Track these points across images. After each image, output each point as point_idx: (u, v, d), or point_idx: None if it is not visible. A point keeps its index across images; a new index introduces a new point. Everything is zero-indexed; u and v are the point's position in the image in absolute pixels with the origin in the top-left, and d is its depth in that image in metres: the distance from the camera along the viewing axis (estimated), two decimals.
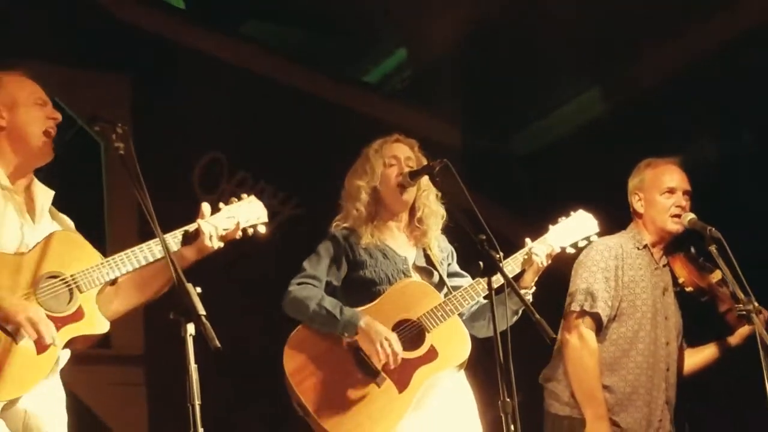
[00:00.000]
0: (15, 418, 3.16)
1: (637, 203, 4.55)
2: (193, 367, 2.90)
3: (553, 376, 4.50)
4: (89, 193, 6.62)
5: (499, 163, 7.27)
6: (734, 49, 6.23)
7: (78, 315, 3.20)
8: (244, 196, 3.64)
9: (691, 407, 4.75)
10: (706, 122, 6.42)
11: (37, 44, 5.99)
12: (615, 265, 4.43)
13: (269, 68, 7.16)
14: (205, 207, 3.49)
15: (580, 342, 4.36)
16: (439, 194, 4.11)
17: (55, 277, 3.21)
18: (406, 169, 4.04)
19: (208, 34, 7.03)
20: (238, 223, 3.52)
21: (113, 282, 3.38)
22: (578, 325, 4.38)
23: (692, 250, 4.55)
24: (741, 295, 4.32)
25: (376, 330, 3.80)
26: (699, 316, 4.66)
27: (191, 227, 3.44)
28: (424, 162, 4.10)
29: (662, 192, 4.49)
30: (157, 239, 3.22)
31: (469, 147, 7.13)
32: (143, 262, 3.33)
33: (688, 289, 4.50)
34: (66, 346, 3.19)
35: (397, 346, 3.78)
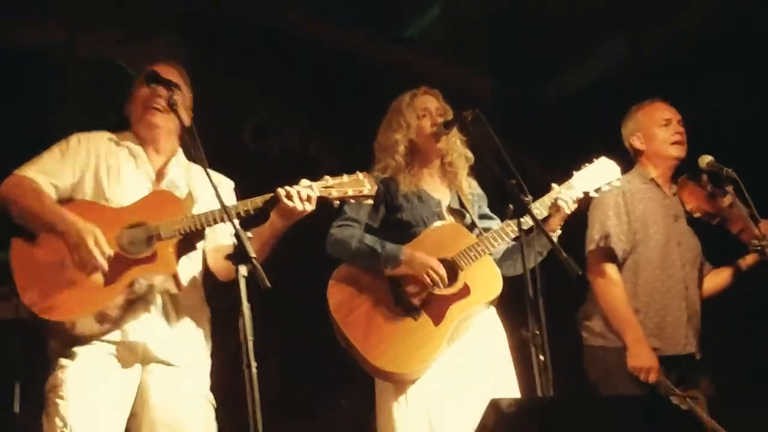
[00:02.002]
0: (133, 349, 3.40)
1: (636, 142, 4.60)
2: (246, 305, 2.96)
3: (586, 313, 4.55)
4: None
5: (528, 111, 7.21)
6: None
7: (152, 258, 3.36)
8: (358, 172, 3.64)
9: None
10: (728, 71, 6.32)
11: (97, 9, 6.04)
12: (624, 201, 4.47)
13: (313, 29, 7.14)
14: (303, 181, 3.54)
15: (603, 278, 4.41)
16: (465, 138, 4.11)
17: (139, 225, 3.39)
18: (439, 120, 4.05)
19: None
20: (331, 192, 3.56)
21: (201, 237, 3.53)
22: (599, 262, 4.43)
23: (704, 178, 4.52)
24: (757, 232, 4.32)
25: (420, 259, 3.83)
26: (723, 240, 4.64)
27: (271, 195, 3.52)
28: (449, 109, 4.10)
29: (659, 125, 4.53)
30: (238, 203, 3.45)
31: (499, 96, 7.09)
32: (218, 222, 3.43)
33: (696, 214, 4.51)
34: (132, 283, 3.36)
35: (442, 270, 3.82)
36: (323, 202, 3.54)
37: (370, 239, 3.90)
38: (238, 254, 3.01)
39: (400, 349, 3.77)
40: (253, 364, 2.93)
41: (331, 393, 6.15)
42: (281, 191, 3.47)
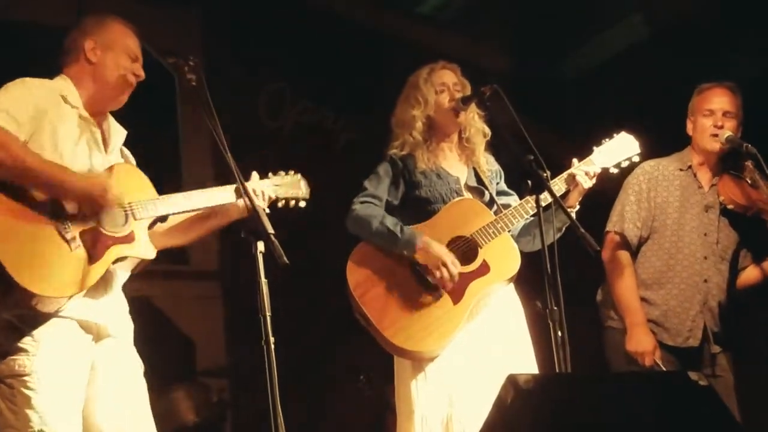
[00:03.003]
0: (89, 326, 3.22)
1: (689, 126, 4.55)
2: (264, 281, 2.97)
3: (600, 293, 4.61)
4: (165, 123, 6.70)
5: (546, 87, 7.18)
6: None
7: (129, 238, 3.25)
8: (291, 172, 3.71)
9: None
10: (749, 43, 6.25)
11: None
12: (647, 188, 4.46)
13: (330, 1, 7.11)
14: (254, 174, 3.57)
15: (613, 261, 4.44)
16: (482, 113, 4.09)
17: None
18: (457, 95, 4.02)
19: None
20: (278, 193, 3.63)
21: (163, 219, 3.46)
22: (612, 246, 4.46)
23: (748, 166, 4.44)
24: None
25: (435, 250, 3.82)
26: None
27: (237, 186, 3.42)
28: (468, 84, 4.08)
29: (703, 114, 4.46)
30: (207, 189, 3.40)
31: (517, 72, 7.05)
32: (195, 207, 3.41)
33: (729, 206, 4.44)
34: (114, 262, 3.23)
35: (454, 265, 3.80)
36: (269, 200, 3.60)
37: (390, 221, 3.88)
38: (256, 230, 3.01)
39: (420, 327, 3.77)
40: (271, 339, 2.95)
41: (350, 369, 6.18)
42: (251, 191, 3.33)
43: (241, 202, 3.43)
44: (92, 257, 3.14)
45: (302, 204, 3.72)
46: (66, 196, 3.14)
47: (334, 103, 7.10)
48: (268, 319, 2.97)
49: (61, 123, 3.23)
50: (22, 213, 3.07)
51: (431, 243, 3.83)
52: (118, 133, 3.47)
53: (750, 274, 4.55)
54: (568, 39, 7.08)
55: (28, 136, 3.14)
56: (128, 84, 3.39)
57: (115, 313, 3.33)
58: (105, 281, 3.25)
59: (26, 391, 3.07)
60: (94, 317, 3.22)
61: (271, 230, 2.97)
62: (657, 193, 4.46)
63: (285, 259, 2.92)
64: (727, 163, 4.50)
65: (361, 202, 3.95)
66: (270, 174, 3.64)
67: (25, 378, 3.08)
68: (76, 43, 3.38)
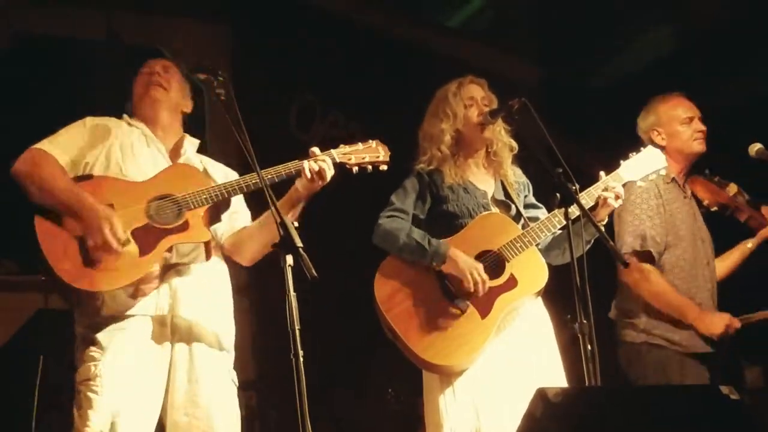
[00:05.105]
0: (164, 323, 3.42)
1: (657, 138, 4.54)
2: (293, 295, 2.98)
3: (626, 310, 4.50)
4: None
5: (574, 99, 7.16)
6: None
7: (183, 227, 3.41)
8: (370, 141, 3.78)
9: None
10: None
11: None
12: (657, 203, 4.44)
13: (359, 15, 7.15)
14: (314, 149, 3.60)
15: (642, 276, 4.38)
16: (509, 127, 4.09)
17: (166, 197, 3.43)
18: (485, 109, 4.03)
19: None
20: (350, 158, 3.68)
21: (227, 206, 3.56)
22: (634, 263, 4.36)
23: (707, 172, 4.59)
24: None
25: (464, 260, 3.82)
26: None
27: (296, 166, 3.54)
28: (494, 99, 4.09)
29: (682, 122, 4.51)
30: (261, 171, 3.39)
31: (546, 84, 7.05)
32: (245, 190, 3.51)
33: (713, 208, 4.58)
34: (169, 250, 3.41)
35: (484, 274, 3.80)
36: (342, 167, 3.64)
37: (417, 234, 3.89)
38: (284, 243, 3.02)
39: (448, 341, 3.76)
40: (300, 353, 2.95)
41: (379, 383, 6.18)
42: (306, 167, 3.53)
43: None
44: (144, 250, 3.34)
45: (383, 167, 3.74)
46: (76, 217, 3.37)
47: (364, 116, 7.13)
48: (297, 332, 2.97)
49: (117, 140, 3.58)
50: (67, 228, 3.35)
51: (459, 253, 3.83)
52: (189, 144, 3.78)
53: (729, 261, 4.67)
54: (596, 51, 7.09)
55: (91, 158, 3.51)
56: (151, 84, 3.70)
57: (193, 311, 3.47)
58: (175, 276, 3.45)
59: (90, 394, 3.29)
60: (166, 311, 3.42)
61: (300, 244, 2.99)
62: (665, 207, 4.46)
63: (314, 272, 2.93)
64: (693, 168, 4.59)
65: (388, 217, 3.96)
66: (342, 146, 3.70)
67: (90, 382, 3.29)
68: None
